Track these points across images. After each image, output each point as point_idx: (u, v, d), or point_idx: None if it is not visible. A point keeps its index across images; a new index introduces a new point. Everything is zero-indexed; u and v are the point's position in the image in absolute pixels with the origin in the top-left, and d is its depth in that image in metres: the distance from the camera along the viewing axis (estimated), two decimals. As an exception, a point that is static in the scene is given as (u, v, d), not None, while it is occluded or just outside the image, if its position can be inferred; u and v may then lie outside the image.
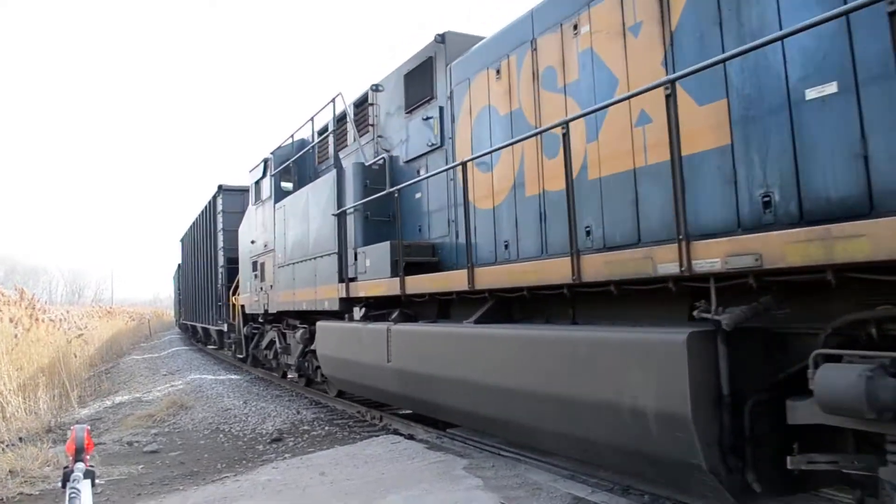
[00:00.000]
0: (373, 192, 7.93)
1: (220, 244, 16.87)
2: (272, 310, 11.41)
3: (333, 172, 8.68)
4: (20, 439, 7.97)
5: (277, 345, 11.81)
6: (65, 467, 2.70)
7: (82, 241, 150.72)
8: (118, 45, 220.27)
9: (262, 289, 11.95)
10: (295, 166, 11.33)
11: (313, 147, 11.07)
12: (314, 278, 9.14)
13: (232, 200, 16.72)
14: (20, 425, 8.63)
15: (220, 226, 16.98)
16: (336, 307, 8.40)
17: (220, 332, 18.28)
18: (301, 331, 10.19)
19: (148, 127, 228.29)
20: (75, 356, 13.92)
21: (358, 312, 7.96)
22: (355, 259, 7.93)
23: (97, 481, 2.82)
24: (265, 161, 12.08)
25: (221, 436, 8.24)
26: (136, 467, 6.73)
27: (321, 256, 8.95)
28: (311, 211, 9.41)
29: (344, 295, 8.12)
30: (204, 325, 21.07)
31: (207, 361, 19.10)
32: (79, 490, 2.56)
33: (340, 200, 8.51)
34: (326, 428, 8.26)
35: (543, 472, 5.49)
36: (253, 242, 12.73)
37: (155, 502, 5.47)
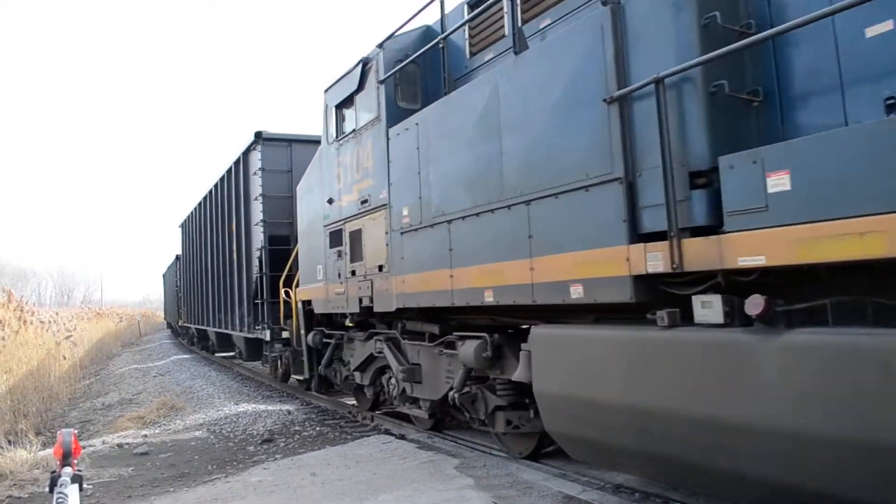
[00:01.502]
0: (720, 43, 3.75)
1: (259, 217, 11.94)
2: (383, 307, 6.92)
3: (594, 17, 4.39)
4: (9, 442, 7.92)
5: (393, 364, 7.26)
6: (52, 472, 2.70)
7: (71, 242, 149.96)
8: (103, 42, 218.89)
9: (354, 273, 7.63)
10: (419, 68, 7.01)
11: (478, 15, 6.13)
12: (525, 241, 4.81)
13: (276, 155, 11.93)
14: (8, 428, 8.57)
15: (257, 191, 12.03)
16: (623, 296, 4.08)
17: (252, 341, 13.20)
18: (475, 345, 5.72)
19: (135, 124, 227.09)
20: (64, 358, 13.84)
21: (718, 305, 3.62)
22: (693, 185, 3.80)
23: (86, 485, 2.82)
24: (363, 64, 7.38)
25: (212, 437, 8.22)
26: (127, 469, 6.71)
27: (549, 196, 4.61)
28: (509, 114, 5.05)
29: (661, 268, 3.87)
30: (221, 331, 15.89)
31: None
32: (66, 495, 2.56)
33: (625, 70, 4.18)
34: (318, 428, 8.24)
35: (534, 470, 5.51)
36: (331, 202, 8.24)
37: (145, 505, 5.46)
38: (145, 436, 8.44)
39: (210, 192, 16.72)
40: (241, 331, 13.53)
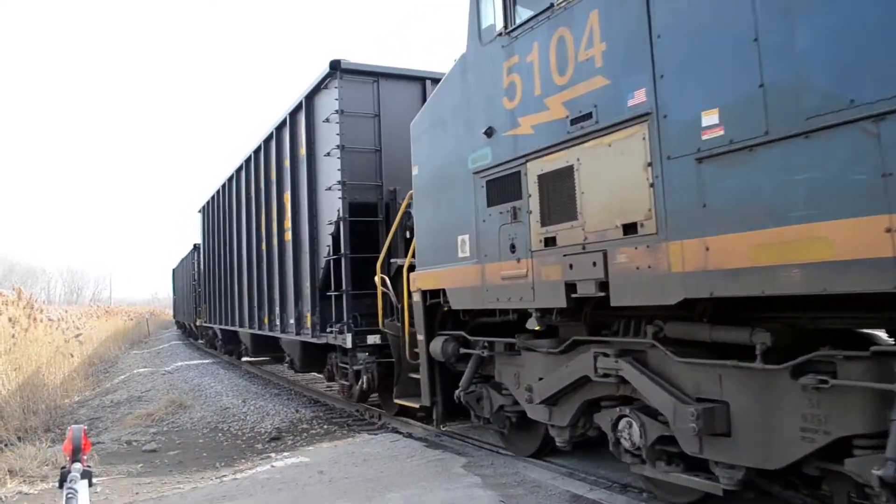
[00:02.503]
0: None
1: (335, 177, 8.56)
2: (641, 298, 4.05)
3: None
4: (19, 439, 7.97)
5: (662, 401, 4.07)
6: (62, 468, 2.71)
7: (81, 240, 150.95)
8: (113, 42, 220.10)
9: (550, 242, 4.83)
10: None
11: None
12: None
13: (357, 94, 8.67)
14: (18, 424, 8.63)
15: (332, 142, 8.69)
16: None
17: (312, 348, 9.77)
18: None
19: (144, 125, 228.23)
20: (73, 356, 13.92)
21: None
22: None
23: (95, 480, 2.83)
24: None
25: (220, 434, 8.26)
26: (135, 466, 6.74)
27: None
28: None
29: None
30: (263, 333, 12.12)
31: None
32: (76, 490, 2.57)
33: None
34: (325, 426, 8.26)
35: (542, 469, 5.50)
36: (491, 134, 5.48)
37: (154, 501, 5.48)
38: (154, 433, 8.48)
39: (248, 159, 13.22)
40: (298, 333, 10.06)
